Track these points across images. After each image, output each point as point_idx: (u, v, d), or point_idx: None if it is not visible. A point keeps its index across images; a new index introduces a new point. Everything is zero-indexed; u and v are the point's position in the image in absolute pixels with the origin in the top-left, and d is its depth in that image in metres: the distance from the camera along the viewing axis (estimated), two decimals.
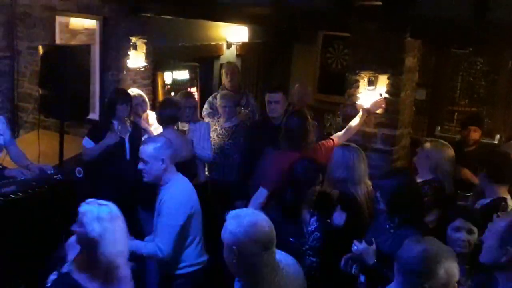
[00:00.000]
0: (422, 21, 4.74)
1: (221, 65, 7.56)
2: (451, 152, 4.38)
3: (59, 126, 5.55)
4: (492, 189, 3.90)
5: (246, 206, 4.17)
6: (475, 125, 5.40)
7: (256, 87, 8.98)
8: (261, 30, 8.54)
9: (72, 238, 3.05)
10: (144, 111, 5.79)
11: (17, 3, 6.83)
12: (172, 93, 6.86)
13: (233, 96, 6.15)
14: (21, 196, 4.21)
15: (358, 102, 5.00)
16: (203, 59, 7.87)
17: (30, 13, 6.77)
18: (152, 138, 3.99)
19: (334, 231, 3.74)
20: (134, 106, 5.53)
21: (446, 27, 4.78)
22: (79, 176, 4.85)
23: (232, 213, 2.69)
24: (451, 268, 2.41)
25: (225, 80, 6.80)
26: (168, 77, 7.13)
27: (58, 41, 6.48)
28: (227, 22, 7.24)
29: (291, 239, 3.55)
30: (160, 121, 5.18)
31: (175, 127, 5.29)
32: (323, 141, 4.75)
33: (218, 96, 6.18)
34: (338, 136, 4.84)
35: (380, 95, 4.88)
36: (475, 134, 5.35)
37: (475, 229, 3.21)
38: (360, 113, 4.86)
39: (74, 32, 6.47)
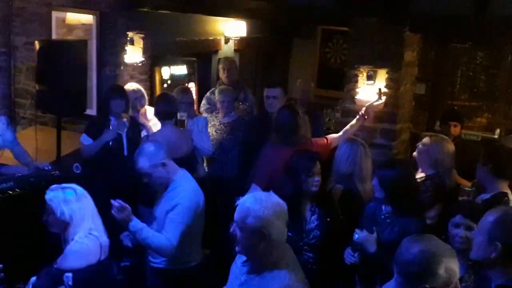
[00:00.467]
0: (422, 15, 4.73)
1: (219, 60, 7.53)
2: (451, 146, 4.37)
3: (56, 122, 5.52)
4: (493, 184, 3.88)
5: None
6: (455, 120, 5.40)
7: (255, 82, 8.95)
8: (259, 24, 8.49)
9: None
10: (143, 105, 5.76)
11: None
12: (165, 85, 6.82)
13: (231, 91, 6.12)
14: (18, 192, 4.19)
15: (357, 97, 4.98)
16: (201, 54, 7.83)
17: (27, 8, 6.72)
18: (139, 150, 3.88)
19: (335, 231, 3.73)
20: (133, 101, 5.50)
21: (445, 21, 4.76)
22: (76, 172, 4.83)
23: (246, 199, 2.74)
24: (451, 266, 2.36)
25: (222, 75, 6.77)
26: (166, 72, 7.09)
27: (54, 36, 6.44)
28: (225, 16, 7.21)
29: (289, 233, 3.53)
30: (157, 116, 5.16)
31: (173, 121, 5.26)
32: (316, 138, 4.72)
33: (216, 91, 6.16)
34: (332, 137, 4.81)
35: (380, 90, 4.86)
36: (455, 130, 5.36)
37: (474, 225, 3.19)
38: (357, 117, 4.83)
39: (71, 27, 6.43)
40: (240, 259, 2.90)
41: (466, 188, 4.20)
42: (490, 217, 2.56)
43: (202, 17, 7.38)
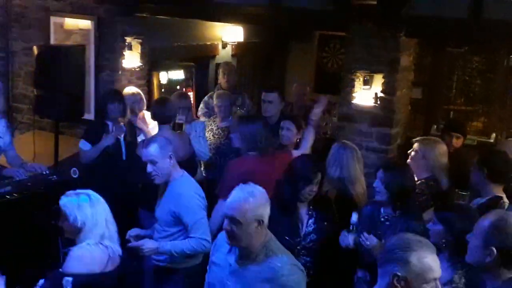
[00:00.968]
0: (418, 20, 4.75)
1: (217, 64, 7.55)
2: (443, 147, 4.38)
3: (54, 127, 5.53)
4: (488, 188, 3.88)
5: None
6: (459, 133, 5.14)
7: (252, 87, 8.97)
8: (256, 29, 8.53)
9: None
10: (141, 109, 5.77)
11: (12, 4, 6.80)
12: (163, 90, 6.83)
13: (229, 95, 6.14)
14: (16, 196, 4.20)
15: (354, 101, 5.00)
16: (199, 59, 7.85)
17: (25, 14, 6.74)
18: (150, 139, 3.98)
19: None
20: (131, 104, 5.52)
21: (441, 26, 4.79)
22: (74, 176, 4.83)
23: (236, 196, 2.89)
24: (426, 259, 2.31)
25: (222, 79, 6.79)
26: (164, 77, 7.11)
27: (52, 41, 6.45)
28: (222, 22, 7.24)
29: (286, 238, 3.54)
30: (155, 120, 5.17)
31: (170, 126, 5.27)
32: (281, 151, 4.66)
33: (214, 96, 6.17)
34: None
35: (376, 94, 4.88)
36: (457, 142, 5.09)
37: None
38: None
39: (69, 33, 6.45)
40: (219, 249, 3.07)
41: (462, 192, 4.22)
42: (485, 221, 2.57)
43: (200, 22, 7.41)
